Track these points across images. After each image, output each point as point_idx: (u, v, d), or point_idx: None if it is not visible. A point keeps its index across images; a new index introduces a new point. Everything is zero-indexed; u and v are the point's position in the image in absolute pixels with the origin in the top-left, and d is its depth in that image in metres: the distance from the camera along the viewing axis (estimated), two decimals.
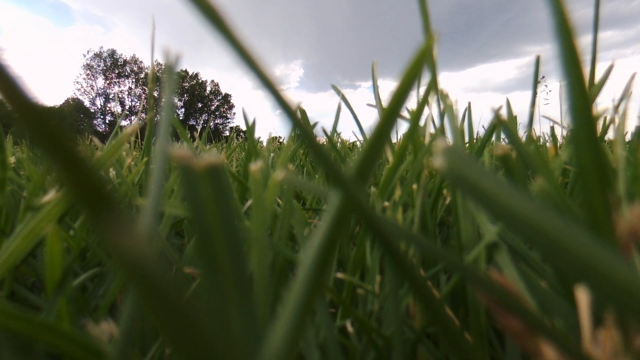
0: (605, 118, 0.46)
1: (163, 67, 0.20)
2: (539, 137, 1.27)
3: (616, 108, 0.40)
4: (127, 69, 34.93)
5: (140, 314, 0.20)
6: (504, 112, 0.45)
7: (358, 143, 1.27)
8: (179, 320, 0.08)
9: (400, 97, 0.10)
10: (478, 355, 0.16)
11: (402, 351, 0.22)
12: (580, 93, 0.13)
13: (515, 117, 0.48)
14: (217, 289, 0.10)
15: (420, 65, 0.10)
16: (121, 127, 0.68)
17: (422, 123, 0.45)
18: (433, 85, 0.33)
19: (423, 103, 0.33)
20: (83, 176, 0.07)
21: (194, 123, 35.12)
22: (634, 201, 0.26)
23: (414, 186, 0.35)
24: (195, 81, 36.93)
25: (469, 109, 0.50)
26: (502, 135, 0.53)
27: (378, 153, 0.10)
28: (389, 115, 0.10)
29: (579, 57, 0.13)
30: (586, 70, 0.13)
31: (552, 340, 0.11)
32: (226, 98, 37.71)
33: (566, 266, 0.09)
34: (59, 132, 0.07)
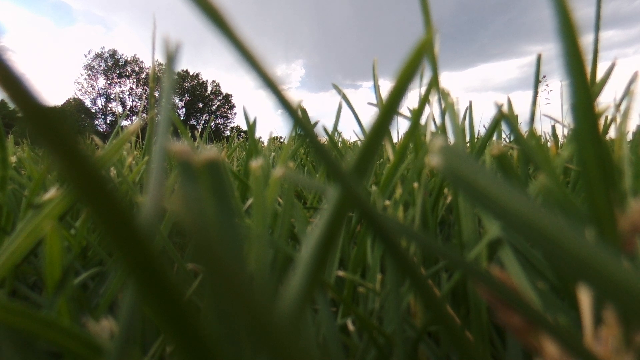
0: (606, 117, 0.46)
1: (164, 65, 0.20)
2: (540, 136, 1.27)
3: (618, 107, 0.40)
4: (128, 69, 34.97)
5: (141, 311, 0.20)
6: (505, 110, 0.45)
7: (359, 143, 1.27)
8: (181, 316, 0.08)
9: (400, 89, 0.10)
10: (479, 353, 0.16)
11: (403, 349, 0.22)
12: (583, 87, 0.12)
13: (517, 116, 0.48)
14: (215, 287, 0.10)
15: (420, 58, 0.10)
16: (122, 127, 0.68)
17: (423, 122, 0.45)
18: (434, 84, 0.33)
19: (424, 101, 0.33)
20: (86, 174, 0.07)
21: (195, 123, 35.14)
22: (636, 198, 0.26)
23: (415, 185, 0.35)
24: (196, 81, 36.98)
25: (470, 108, 0.49)
26: (503, 135, 0.52)
27: (377, 146, 0.10)
28: (389, 107, 0.10)
29: (581, 53, 0.13)
30: (588, 69, 0.13)
31: (553, 336, 0.11)
32: (227, 98, 37.75)
33: (563, 264, 0.09)
34: (63, 130, 0.07)
